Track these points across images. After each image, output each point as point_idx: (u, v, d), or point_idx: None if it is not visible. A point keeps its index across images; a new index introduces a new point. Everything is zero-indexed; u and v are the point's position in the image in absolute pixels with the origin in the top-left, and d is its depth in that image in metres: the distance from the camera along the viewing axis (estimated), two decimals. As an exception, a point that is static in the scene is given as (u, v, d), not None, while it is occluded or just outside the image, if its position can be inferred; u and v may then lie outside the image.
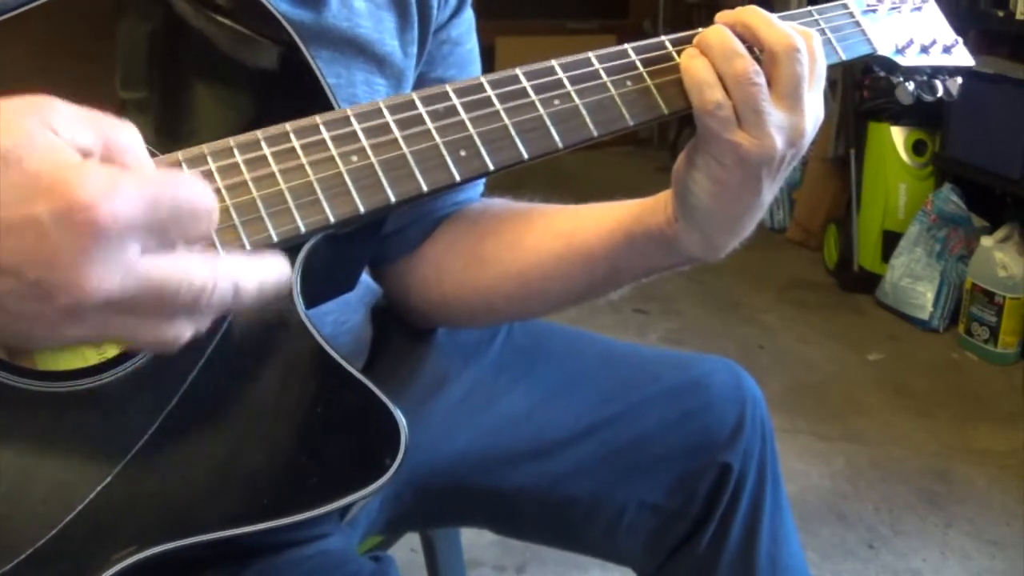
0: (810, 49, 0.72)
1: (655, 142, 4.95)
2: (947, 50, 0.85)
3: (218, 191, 0.59)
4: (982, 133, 2.84)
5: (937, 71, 0.85)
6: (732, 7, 0.73)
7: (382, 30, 0.84)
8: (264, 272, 0.53)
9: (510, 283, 0.90)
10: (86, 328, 0.49)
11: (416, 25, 0.87)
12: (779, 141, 0.70)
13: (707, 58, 0.71)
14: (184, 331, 0.52)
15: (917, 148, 3.11)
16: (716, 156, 0.71)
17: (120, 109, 0.65)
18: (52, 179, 0.46)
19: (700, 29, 0.74)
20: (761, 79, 0.70)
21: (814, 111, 0.73)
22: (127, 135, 0.50)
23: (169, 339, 0.51)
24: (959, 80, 0.85)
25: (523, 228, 0.90)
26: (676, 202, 0.77)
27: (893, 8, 0.85)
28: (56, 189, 0.45)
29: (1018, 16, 2.74)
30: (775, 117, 0.70)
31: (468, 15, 0.94)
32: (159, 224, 0.48)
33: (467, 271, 0.91)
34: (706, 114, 0.70)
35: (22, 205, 0.46)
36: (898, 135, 3.09)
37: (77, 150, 0.48)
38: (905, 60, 0.83)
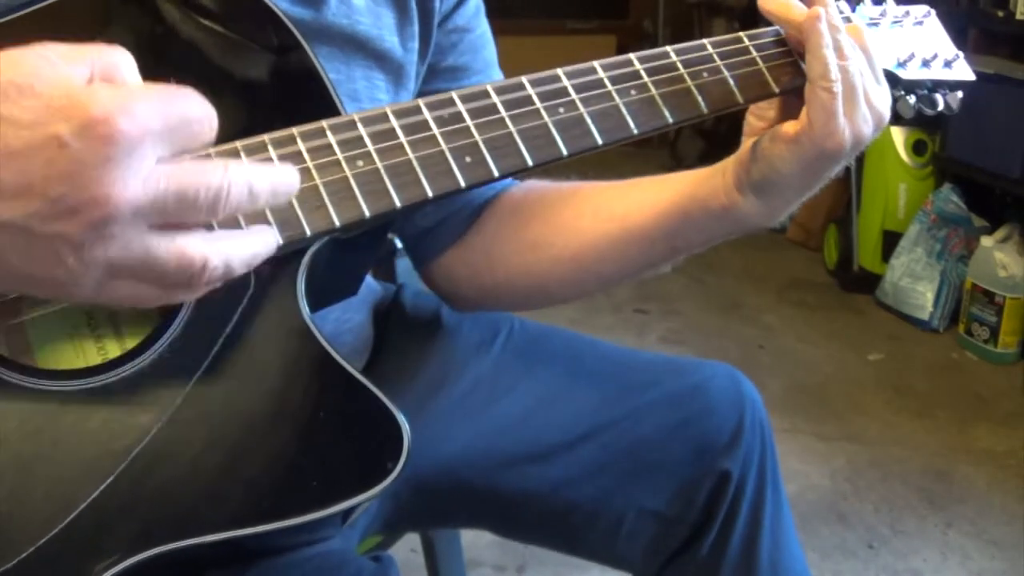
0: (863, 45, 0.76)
1: (655, 142, 4.95)
2: (948, 64, 0.86)
3: None
4: (982, 133, 2.84)
5: (938, 85, 0.85)
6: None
7: (381, 26, 0.84)
8: (275, 176, 0.55)
9: (564, 267, 0.90)
10: (114, 247, 0.50)
11: (416, 20, 0.87)
12: (870, 127, 0.75)
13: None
14: (210, 251, 0.52)
15: (917, 148, 3.11)
16: (817, 140, 0.73)
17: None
18: (66, 100, 0.48)
19: (705, 40, 0.75)
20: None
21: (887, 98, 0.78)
22: (119, 57, 0.52)
23: (197, 261, 0.52)
24: (959, 95, 0.86)
25: (572, 211, 0.91)
26: (751, 177, 0.78)
27: (895, 22, 0.85)
28: (73, 108, 0.47)
29: (1018, 16, 2.74)
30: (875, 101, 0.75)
31: (474, 1, 0.94)
32: (169, 131, 0.50)
33: (519, 257, 0.92)
34: (824, 90, 0.72)
35: (42, 126, 0.47)
36: (898, 135, 3.10)
37: (78, 75, 0.50)
38: (906, 73, 0.84)
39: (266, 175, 0.54)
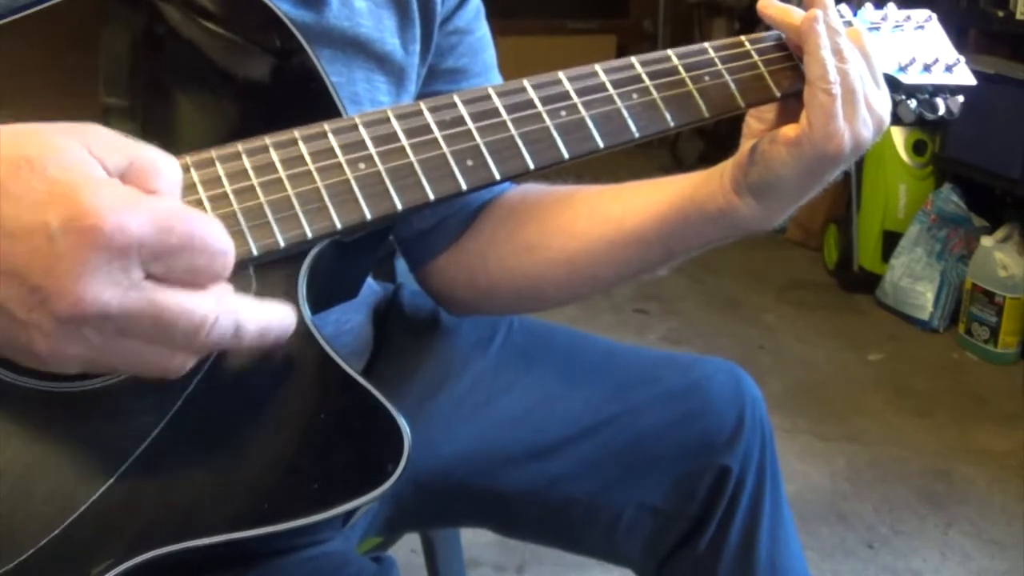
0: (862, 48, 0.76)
1: (655, 143, 4.94)
2: (949, 69, 0.86)
3: (225, 195, 0.60)
4: (982, 133, 2.83)
5: (939, 89, 0.85)
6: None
7: (382, 29, 0.84)
8: (268, 316, 0.54)
9: (559, 270, 0.90)
10: (85, 346, 0.49)
11: (418, 23, 0.87)
12: (870, 131, 0.75)
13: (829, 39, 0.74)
14: (184, 362, 0.52)
15: (917, 148, 3.11)
16: (816, 143, 0.73)
17: (126, 118, 0.65)
18: (68, 187, 0.47)
19: (706, 43, 0.75)
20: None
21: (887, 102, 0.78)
22: (164, 163, 0.51)
23: (168, 368, 0.52)
24: (960, 99, 0.86)
25: (568, 213, 0.91)
26: (749, 180, 0.78)
27: (897, 26, 0.85)
28: (68, 196, 0.47)
29: (1018, 16, 2.74)
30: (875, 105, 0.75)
31: (474, 3, 0.94)
32: (167, 251, 0.49)
33: (514, 259, 0.92)
34: (823, 92, 0.72)
35: (35, 210, 0.47)
36: (898, 135, 3.10)
37: (105, 168, 0.49)
38: (907, 78, 0.84)
39: (259, 314, 0.53)
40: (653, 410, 0.96)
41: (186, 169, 0.59)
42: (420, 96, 0.86)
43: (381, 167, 0.64)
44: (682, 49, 0.76)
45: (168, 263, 0.49)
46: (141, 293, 0.48)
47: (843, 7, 0.81)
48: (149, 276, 0.49)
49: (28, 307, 0.48)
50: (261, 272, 0.63)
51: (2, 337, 0.50)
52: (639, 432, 0.96)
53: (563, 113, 0.70)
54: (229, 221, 0.58)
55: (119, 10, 0.67)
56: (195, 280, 0.50)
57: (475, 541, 1.82)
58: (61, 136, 0.49)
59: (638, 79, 0.73)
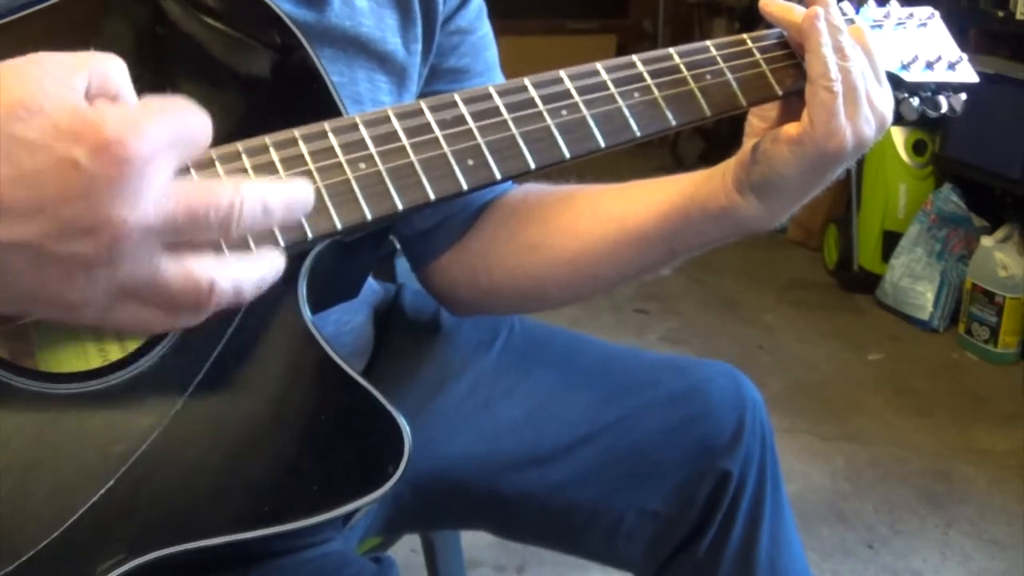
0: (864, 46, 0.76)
1: (656, 142, 4.95)
2: (952, 66, 0.86)
3: None
4: (982, 133, 2.84)
5: (941, 87, 0.85)
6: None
7: (384, 28, 0.84)
8: (289, 192, 0.55)
9: (561, 269, 0.90)
10: (126, 269, 0.50)
11: (420, 22, 0.87)
12: (872, 129, 0.75)
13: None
14: (223, 262, 0.53)
15: (917, 148, 3.11)
16: (818, 141, 0.73)
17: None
18: (78, 121, 0.48)
19: (708, 42, 0.75)
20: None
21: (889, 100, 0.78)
22: (110, 65, 0.52)
23: (204, 284, 0.52)
24: (963, 97, 0.86)
25: (570, 213, 0.91)
26: (751, 179, 0.78)
27: (899, 24, 0.85)
28: (86, 130, 0.48)
29: (1018, 16, 2.75)
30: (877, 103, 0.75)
31: (476, 2, 0.94)
32: (175, 146, 0.50)
33: (516, 259, 0.92)
34: (825, 89, 0.72)
35: (54, 147, 0.48)
36: (898, 135, 3.10)
37: (79, 89, 0.50)
38: (910, 76, 0.84)
39: (280, 191, 0.54)
40: (653, 414, 0.96)
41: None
42: (421, 95, 0.86)
43: (382, 167, 0.64)
44: (684, 47, 0.75)
45: (179, 155, 0.51)
46: (171, 193, 0.50)
47: (845, 5, 0.81)
48: (170, 177, 0.50)
49: (66, 239, 0.48)
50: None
51: (31, 281, 0.50)
52: (639, 437, 0.96)
53: (564, 112, 0.70)
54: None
55: (119, 9, 0.67)
56: (196, 156, 0.53)
57: (475, 542, 1.81)
58: (30, 71, 0.49)
59: (639, 78, 0.73)
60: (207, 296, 0.52)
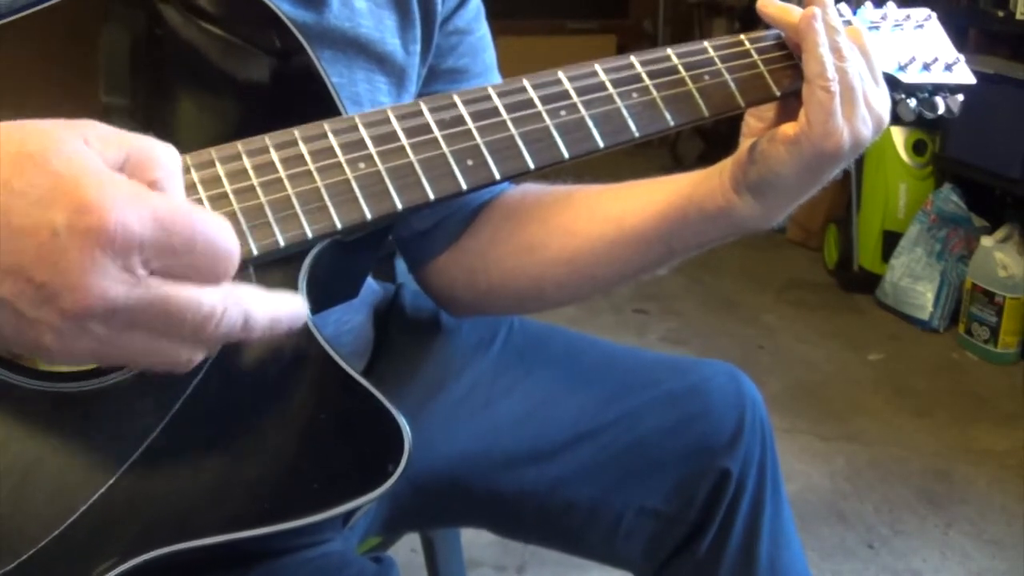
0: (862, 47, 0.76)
1: (655, 142, 4.95)
2: (949, 68, 0.86)
3: (225, 195, 0.60)
4: (982, 133, 2.84)
5: (938, 88, 0.85)
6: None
7: (383, 29, 0.85)
8: (278, 307, 0.54)
9: (560, 269, 0.90)
10: (93, 341, 0.49)
11: (419, 23, 0.87)
12: (869, 129, 0.75)
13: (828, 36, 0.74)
14: (193, 355, 0.52)
15: (917, 148, 3.11)
16: (815, 141, 0.73)
17: (126, 117, 0.65)
18: (71, 182, 0.47)
19: (706, 42, 0.75)
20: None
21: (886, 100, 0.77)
22: (162, 152, 0.51)
23: (177, 362, 0.52)
24: (960, 98, 0.86)
25: (568, 213, 0.91)
26: (748, 179, 0.78)
27: (896, 25, 0.85)
28: (73, 192, 0.47)
29: (1018, 16, 2.75)
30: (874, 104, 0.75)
31: (475, 3, 0.94)
32: (170, 249, 0.49)
33: (514, 259, 0.92)
34: (822, 89, 0.73)
35: (39, 206, 0.47)
36: (898, 135, 3.10)
37: (104, 160, 0.49)
38: (907, 77, 0.84)
39: (268, 305, 0.53)
40: (653, 413, 0.96)
41: (186, 170, 0.59)
42: (419, 96, 0.86)
43: (381, 167, 0.64)
44: (682, 47, 0.75)
45: (169, 261, 0.49)
46: (147, 287, 0.48)
47: (843, 6, 0.81)
48: (153, 272, 0.49)
49: (36, 304, 0.48)
50: (261, 272, 0.63)
51: (12, 334, 0.50)
52: (639, 436, 0.96)
53: (563, 113, 0.70)
54: (229, 221, 0.58)
55: (119, 10, 0.67)
56: (198, 277, 0.50)
57: (475, 541, 1.81)
58: (60, 130, 0.49)
59: (638, 78, 0.73)
60: (185, 365, 0.52)
